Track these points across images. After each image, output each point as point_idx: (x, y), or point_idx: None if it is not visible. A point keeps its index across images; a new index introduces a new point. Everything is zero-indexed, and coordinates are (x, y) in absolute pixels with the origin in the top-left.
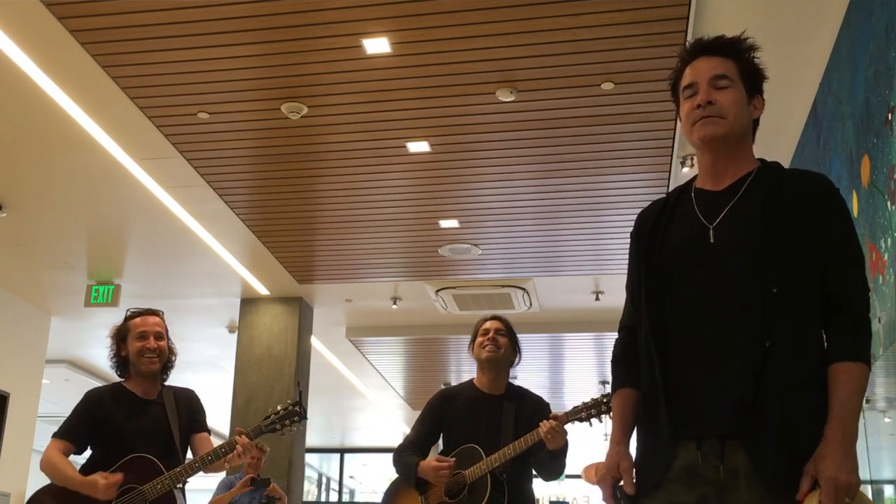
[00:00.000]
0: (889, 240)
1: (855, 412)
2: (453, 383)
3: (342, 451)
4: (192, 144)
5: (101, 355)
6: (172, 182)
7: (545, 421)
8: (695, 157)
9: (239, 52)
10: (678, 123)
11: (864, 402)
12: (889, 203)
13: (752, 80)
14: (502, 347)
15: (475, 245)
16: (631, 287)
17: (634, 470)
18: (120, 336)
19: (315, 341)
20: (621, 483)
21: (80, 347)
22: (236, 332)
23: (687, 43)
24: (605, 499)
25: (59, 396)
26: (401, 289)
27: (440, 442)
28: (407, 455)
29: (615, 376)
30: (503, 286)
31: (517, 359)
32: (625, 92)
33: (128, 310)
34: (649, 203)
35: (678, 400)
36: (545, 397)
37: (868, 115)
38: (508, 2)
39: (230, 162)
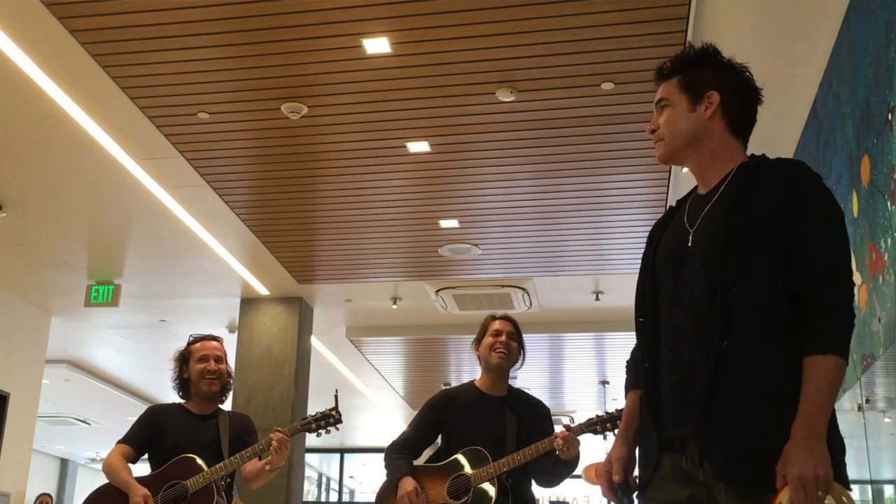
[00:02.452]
0: (889, 240)
1: (823, 406)
2: (453, 383)
3: (342, 451)
4: (192, 144)
5: (101, 355)
6: (172, 182)
7: (561, 431)
8: None
9: (239, 52)
10: None
11: (865, 401)
12: (889, 203)
13: (694, 87)
14: (513, 353)
15: (475, 245)
16: (637, 294)
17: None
18: (183, 359)
19: (315, 341)
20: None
21: (80, 347)
22: (236, 332)
23: (687, 43)
24: (603, 493)
25: (59, 396)
26: (401, 289)
27: (438, 441)
28: (398, 457)
29: (628, 379)
30: (503, 286)
31: (521, 361)
32: (625, 92)
33: (190, 336)
34: (650, 204)
35: (665, 404)
36: (545, 397)
37: (868, 115)
38: (508, 2)
39: (230, 162)
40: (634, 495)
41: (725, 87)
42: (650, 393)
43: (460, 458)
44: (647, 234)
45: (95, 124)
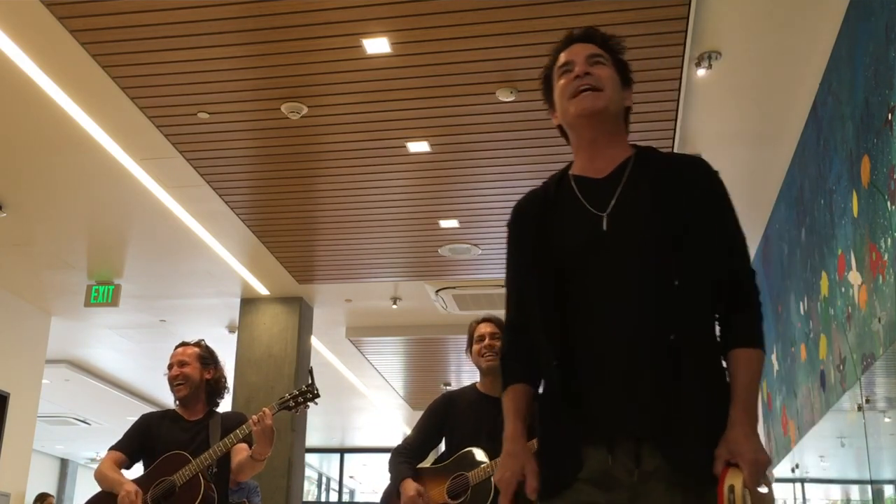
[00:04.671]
0: (889, 240)
1: (755, 395)
2: (453, 383)
3: (342, 451)
4: (192, 144)
5: (101, 355)
6: (172, 182)
7: None
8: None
9: (239, 52)
10: (678, 123)
11: (865, 401)
12: (889, 203)
13: (623, 72)
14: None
15: (475, 245)
16: (516, 285)
17: (538, 473)
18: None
19: (315, 341)
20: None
21: (80, 347)
22: (236, 332)
23: (687, 43)
24: (505, 490)
25: (59, 396)
26: (401, 289)
27: (441, 445)
28: (402, 461)
29: (505, 373)
30: (503, 286)
31: None
32: None
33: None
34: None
35: (585, 401)
36: None
37: (868, 115)
38: (508, 2)
39: (230, 162)
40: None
41: (631, 87)
42: (567, 390)
43: (459, 458)
44: None
45: (95, 124)
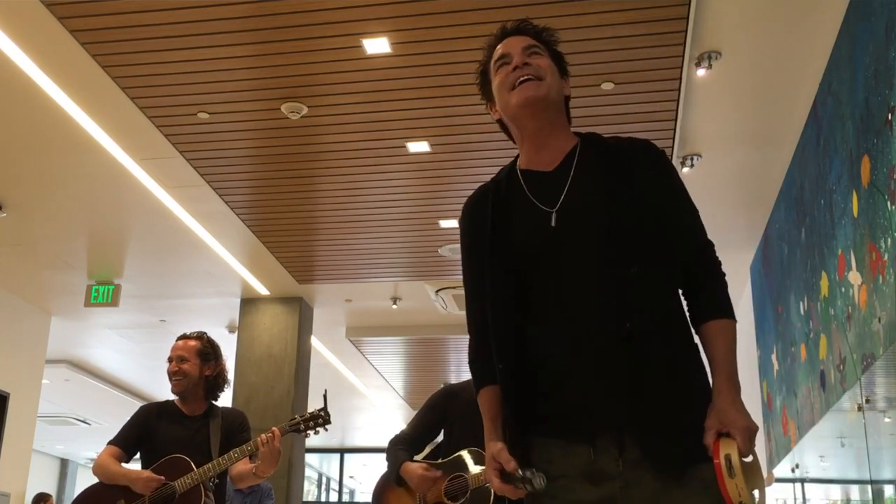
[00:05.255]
0: (889, 240)
1: (735, 364)
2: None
3: (342, 451)
4: (192, 144)
5: (101, 355)
6: (172, 182)
7: None
8: (695, 157)
9: (239, 52)
10: (678, 123)
11: (865, 401)
12: (889, 203)
13: (560, 62)
14: None
15: None
16: (472, 286)
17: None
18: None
19: (315, 341)
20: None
21: (80, 347)
22: (236, 332)
23: (687, 43)
24: (497, 489)
25: (59, 396)
26: (401, 289)
27: (439, 437)
28: (399, 449)
29: (475, 377)
30: None
31: None
32: (625, 92)
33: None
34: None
35: (554, 399)
36: None
37: (868, 115)
38: (508, 2)
39: (230, 162)
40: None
41: (568, 77)
42: (517, 391)
43: (458, 458)
44: None
45: (95, 124)
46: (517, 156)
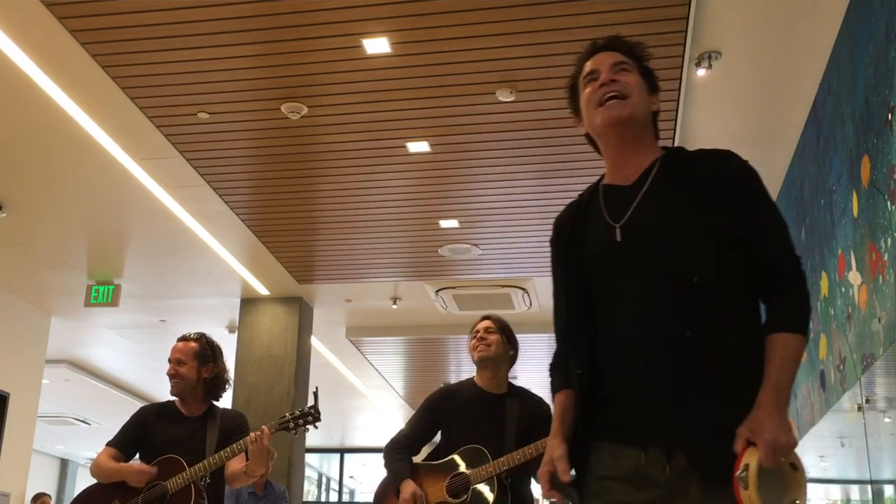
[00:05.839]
0: (889, 240)
1: (788, 378)
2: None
3: (342, 451)
4: (192, 144)
5: (101, 355)
6: (172, 182)
7: None
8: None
9: (239, 52)
10: (678, 124)
11: (865, 401)
12: (889, 203)
13: (649, 78)
14: (493, 345)
15: (475, 245)
16: (555, 296)
17: (574, 469)
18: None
19: (315, 341)
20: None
21: (80, 347)
22: (236, 332)
23: (687, 43)
24: (545, 494)
25: (59, 396)
26: (401, 289)
27: (437, 438)
28: (397, 459)
29: (553, 381)
30: (503, 286)
31: (514, 353)
32: None
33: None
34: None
35: (612, 407)
36: (545, 398)
37: (868, 115)
38: (508, 2)
39: (230, 162)
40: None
41: (657, 93)
42: (588, 396)
43: (459, 456)
44: None
45: (95, 124)
46: (604, 173)
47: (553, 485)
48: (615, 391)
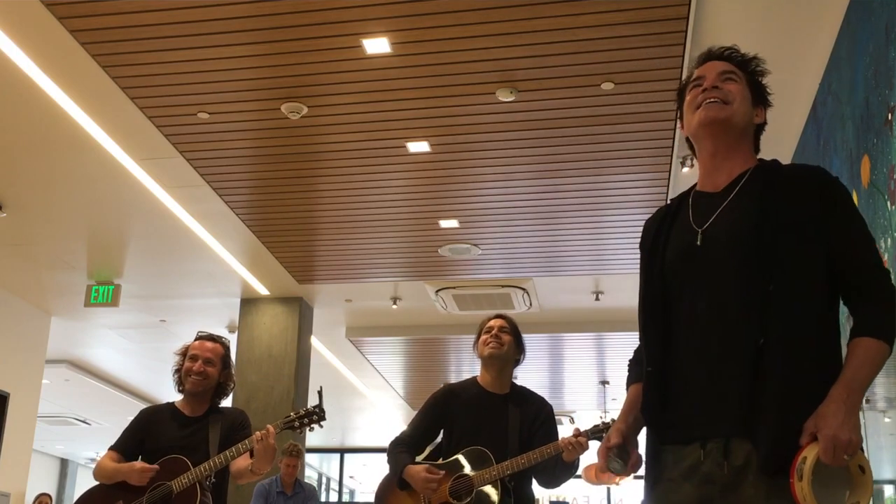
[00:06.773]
0: (889, 240)
1: (864, 380)
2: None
3: (342, 451)
4: (192, 144)
5: (101, 355)
6: (172, 182)
7: (572, 437)
8: (695, 159)
9: (239, 52)
10: (678, 123)
11: (865, 402)
12: (889, 203)
13: (757, 91)
14: (505, 344)
15: (475, 245)
16: (639, 295)
17: (644, 464)
18: (182, 353)
19: (315, 341)
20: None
21: (80, 347)
22: (236, 332)
23: (687, 43)
24: (600, 465)
25: (59, 396)
26: (401, 289)
27: (439, 437)
28: (400, 451)
29: (630, 374)
30: (503, 286)
31: (521, 358)
32: (625, 92)
33: (199, 332)
34: (650, 203)
35: (677, 405)
36: (545, 398)
37: (868, 115)
38: (508, 2)
39: (230, 162)
40: (628, 464)
41: (765, 106)
42: (655, 394)
43: (462, 458)
44: None
45: (95, 124)
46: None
47: (608, 457)
48: (680, 391)
